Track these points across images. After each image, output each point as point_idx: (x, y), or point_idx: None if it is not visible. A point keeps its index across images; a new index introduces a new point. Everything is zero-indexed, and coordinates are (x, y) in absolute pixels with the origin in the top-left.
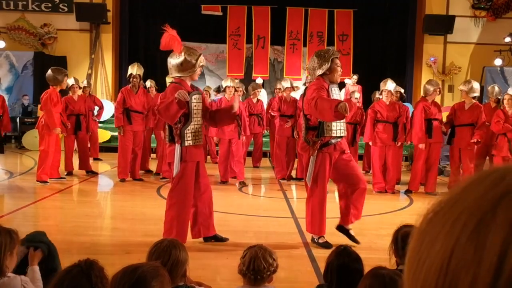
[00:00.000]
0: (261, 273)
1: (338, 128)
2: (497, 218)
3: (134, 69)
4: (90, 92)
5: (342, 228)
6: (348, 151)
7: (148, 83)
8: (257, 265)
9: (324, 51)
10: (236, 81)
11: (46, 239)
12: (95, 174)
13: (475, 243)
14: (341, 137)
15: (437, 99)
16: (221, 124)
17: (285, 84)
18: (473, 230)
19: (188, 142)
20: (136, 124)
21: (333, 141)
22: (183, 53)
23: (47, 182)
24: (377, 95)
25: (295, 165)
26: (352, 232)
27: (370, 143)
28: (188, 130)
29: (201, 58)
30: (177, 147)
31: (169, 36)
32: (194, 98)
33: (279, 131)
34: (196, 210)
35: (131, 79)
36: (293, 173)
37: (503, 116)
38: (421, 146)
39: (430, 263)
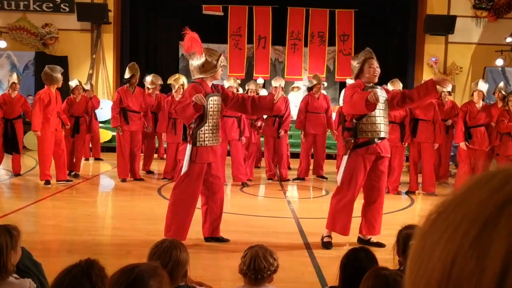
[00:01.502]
0: (262, 273)
1: (373, 130)
2: (500, 227)
3: (136, 70)
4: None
5: (361, 240)
6: (387, 155)
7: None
8: (257, 265)
9: (360, 54)
10: (238, 81)
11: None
12: (77, 176)
13: (478, 252)
14: (381, 138)
15: None
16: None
17: (274, 83)
18: (476, 238)
19: (200, 143)
20: (133, 124)
21: (376, 141)
22: (203, 54)
23: (49, 183)
24: None
25: (295, 165)
26: (373, 240)
27: None
28: (201, 131)
29: (222, 58)
30: (188, 146)
31: (190, 38)
32: (211, 100)
33: (265, 131)
34: (207, 209)
35: (132, 80)
36: (294, 173)
37: (507, 116)
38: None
39: (432, 268)
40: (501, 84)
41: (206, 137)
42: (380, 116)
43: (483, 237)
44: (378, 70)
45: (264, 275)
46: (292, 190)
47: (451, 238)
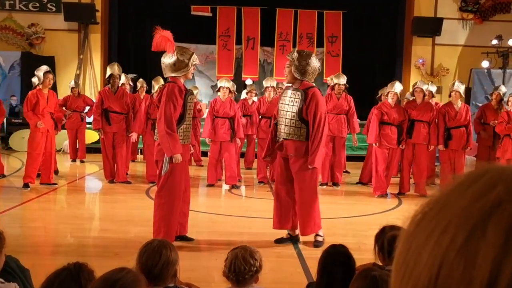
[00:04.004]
0: (242, 275)
1: (278, 130)
2: (487, 234)
3: (115, 69)
4: (79, 92)
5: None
6: (290, 154)
7: (139, 84)
8: (237, 267)
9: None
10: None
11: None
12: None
13: (465, 261)
14: (285, 139)
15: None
16: None
17: (265, 83)
18: (462, 245)
19: (179, 141)
20: (115, 126)
21: (280, 140)
22: (175, 53)
23: (28, 187)
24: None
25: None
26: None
27: (375, 145)
28: (181, 129)
29: (194, 57)
30: None
31: (161, 37)
32: (190, 99)
33: (261, 133)
34: None
35: (111, 80)
36: None
37: (507, 118)
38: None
39: (418, 273)
40: (502, 88)
41: (184, 135)
42: (281, 118)
43: (470, 246)
44: (286, 70)
45: (246, 277)
46: None
47: (438, 243)
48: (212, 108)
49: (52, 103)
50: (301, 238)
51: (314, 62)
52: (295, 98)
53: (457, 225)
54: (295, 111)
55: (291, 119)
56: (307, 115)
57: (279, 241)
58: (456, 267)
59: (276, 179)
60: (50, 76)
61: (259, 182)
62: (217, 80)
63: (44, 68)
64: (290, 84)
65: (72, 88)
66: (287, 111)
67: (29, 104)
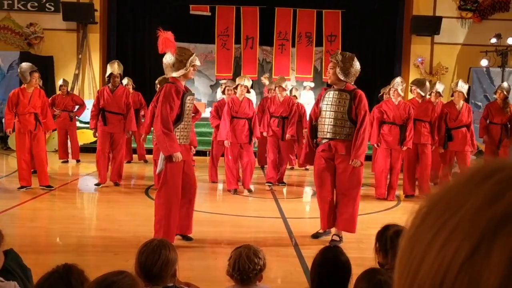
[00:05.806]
0: (247, 273)
1: (322, 130)
2: (493, 253)
3: (115, 68)
4: (68, 91)
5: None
6: (342, 153)
7: (125, 80)
8: (241, 266)
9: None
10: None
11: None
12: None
13: (469, 277)
14: (330, 139)
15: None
16: None
17: (276, 83)
18: (468, 259)
19: (177, 140)
20: (112, 126)
21: (324, 141)
22: (174, 54)
23: (24, 188)
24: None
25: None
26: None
27: (377, 146)
28: (178, 129)
29: (193, 57)
30: None
31: (163, 39)
32: (189, 99)
33: (270, 132)
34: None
35: (111, 79)
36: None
37: None
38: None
39: (422, 279)
40: (505, 84)
41: (182, 135)
42: (326, 118)
43: (476, 260)
44: (329, 71)
45: (250, 275)
46: (282, 191)
47: (442, 251)
48: (231, 109)
49: (35, 102)
50: (299, 238)
51: (357, 65)
52: (342, 98)
53: (464, 233)
54: (343, 111)
55: (339, 119)
56: (356, 115)
57: (316, 236)
58: (460, 281)
59: (319, 181)
60: (36, 75)
61: (266, 183)
62: (233, 80)
63: (28, 66)
64: (322, 86)
65: (61, 86)
66: (332, 111)
67: (9, 104)
